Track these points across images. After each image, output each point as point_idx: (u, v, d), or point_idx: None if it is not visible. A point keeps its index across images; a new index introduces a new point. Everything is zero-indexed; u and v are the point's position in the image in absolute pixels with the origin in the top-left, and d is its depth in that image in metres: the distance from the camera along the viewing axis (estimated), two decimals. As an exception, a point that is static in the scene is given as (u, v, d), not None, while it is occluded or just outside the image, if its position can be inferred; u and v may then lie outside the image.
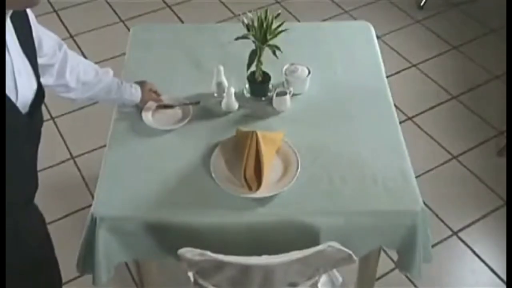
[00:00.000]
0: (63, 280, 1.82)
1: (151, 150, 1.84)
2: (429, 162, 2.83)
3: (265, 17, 1.84)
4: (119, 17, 3.70)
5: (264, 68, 1.97)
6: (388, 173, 1.76)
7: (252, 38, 1.87)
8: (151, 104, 1.95)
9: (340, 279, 1.84)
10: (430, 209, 2.58)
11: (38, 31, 1.51)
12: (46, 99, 1.42)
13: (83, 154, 2.85)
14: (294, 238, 1.66)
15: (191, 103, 1.96)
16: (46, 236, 1.67)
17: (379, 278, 2.30)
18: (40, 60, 1.48)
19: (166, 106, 1.96)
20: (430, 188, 2.58)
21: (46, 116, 2.97)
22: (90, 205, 1.69)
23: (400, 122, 1.98)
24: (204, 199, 1.69)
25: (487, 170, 2.80)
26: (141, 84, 1.95)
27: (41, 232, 1.65)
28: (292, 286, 1.65)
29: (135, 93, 1.90)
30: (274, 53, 1.88)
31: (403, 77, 3.30)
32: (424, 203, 1.71)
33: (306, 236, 1.65)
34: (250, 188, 1.69)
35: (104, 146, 1.88)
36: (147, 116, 1.92)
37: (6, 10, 1.22)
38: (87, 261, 1.69)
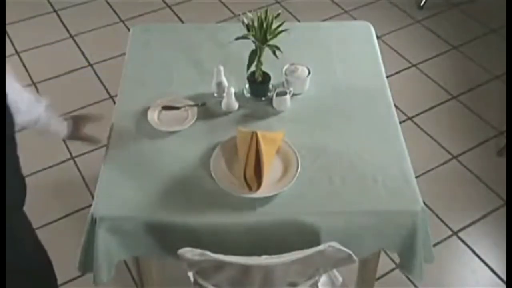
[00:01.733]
0: (64, 280, 1.82)
1: (151, 150, 1.84)
2: (429, 162, 2.83)
3: (265, 17, 1.84)
4: (119, 17, 3.70)
5: (264, 68, 1.97)
6: (388, 173, 1.76)
7: (252, 38, 1.87)
8: (157, 104, 1.95)
9: (340, 279, 1.84)
10: (430, 209, 2.58)
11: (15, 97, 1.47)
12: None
13: (83, 154, 2.85)
14: (294, 238, 1.66)
15: (196, 105, 1.96)
16: (37, 243, 1.66)
17: (379, 278, 2.30)
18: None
19: (172, 108, 1.95)
20: (430, 188, 2.58)
21: (46, 116, 2.97)
22: (90, 205, 1.69)
23: (400, 122, 1.98)
24: (204, 199, 1.69)
25: (487, 170, 2.80)
26: (76, 120, 1.82)
27: (30, 240, 1.63)
28: (292, 286, 1.65)
29: (60, 130, 1.76)
30: (274, 53, 1.88)
31: (403, 77, 3.30)
32: (424, 203, 1.71)
33: (306, 236, 1.65)
34: (250, 188, 1.69)
35: (104, 146, 1.88)
36: (153, 117, 1.92)
37: None
38: (87, 261, 1.69)
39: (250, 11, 1.89)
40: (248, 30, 1.87)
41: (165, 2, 3.81)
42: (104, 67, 3.31)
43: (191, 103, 1.97)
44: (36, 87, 3.14)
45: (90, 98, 3.11)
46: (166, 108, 1.95)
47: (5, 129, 1.24)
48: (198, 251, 1.47)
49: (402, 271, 1.82)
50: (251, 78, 1.99)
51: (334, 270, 1.81)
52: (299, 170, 1.74)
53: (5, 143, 1.42)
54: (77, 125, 1.81)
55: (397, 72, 3.31)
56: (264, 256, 1.50)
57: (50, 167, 2.77)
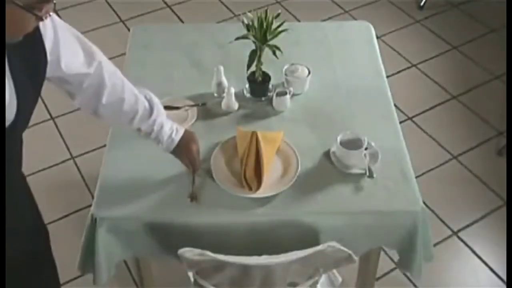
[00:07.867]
0: (64, 280, 1.82)
1: (151, 150, 1.84)
2: (429, 162, 2.83)
3: (265, 17, 1.84)
4: (119, 17, 3.70)
5: (264, 68, 1.97)
6: (388, 173, 1.76)
7: (252, 38, 1.87)
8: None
9: (340, 279, 1.84)
10: (430, 209, 2.57)
11: (59, 47, 1.42)
12: (45, 99, 1.41)
13: (83, 154, 2.85)
14: (294, 238, 1.66)
15: (196, 105, 1.96)
16: (38, 230, 1.65)
17: (379, 278, 2.30)
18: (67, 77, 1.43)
19: (172, 108, 1.95)
20: (430, 188, 2.58)
21: (46, 116, 2.97)
22: (90, 205, 1.69)
23: (400, 122, 1.98)
24: (204, 199, 1.69)
25: (487, 170, 2.80)
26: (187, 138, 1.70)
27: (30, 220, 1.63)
28: (292, 286, 1.65)
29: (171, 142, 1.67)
30: (274, 53, 1.88)
31: (403, 77, 3.30)
32: (424, 203, 1.71)
33: (306, 236, 1.65)
34: (250, 188, 1.69)
35: (104, 146, 1.88)
36: None
37: None
38: (87, 261, 1.69)
39: (250, 11, 1.89)
40: (248, 30, 1.87)
41: (165, 2, 3.81)
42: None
43: (191, 103, 1.97)
44: (36, 87, 3.14)
45: (90, 98, 3.12)
46: (166, 108, 1.94)
47: (5, 129, 1.23)
48: (198, 251, 1.47)
49: (401, 269, 1.82)
50: (251, 78, 1.99)
51: (334, 270, 1.81)
52: (299, 170, 1.74)
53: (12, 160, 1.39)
54: (188, 143, 1.68)
55: (397, 72, 3.31)
56: (264, 256, 1.50)
57: (50, 167, 2.77)
